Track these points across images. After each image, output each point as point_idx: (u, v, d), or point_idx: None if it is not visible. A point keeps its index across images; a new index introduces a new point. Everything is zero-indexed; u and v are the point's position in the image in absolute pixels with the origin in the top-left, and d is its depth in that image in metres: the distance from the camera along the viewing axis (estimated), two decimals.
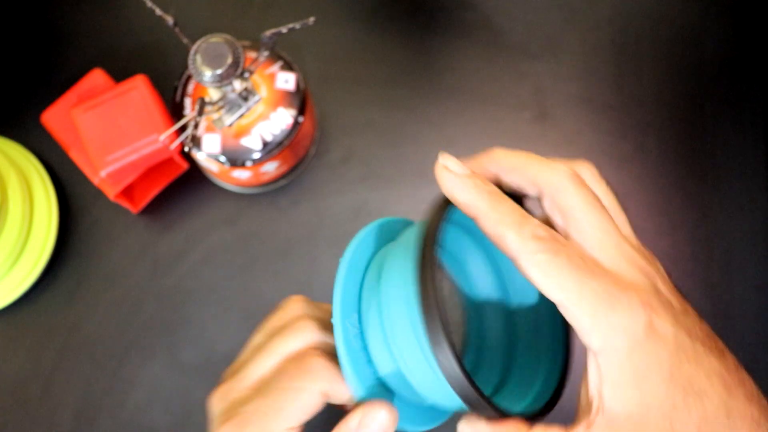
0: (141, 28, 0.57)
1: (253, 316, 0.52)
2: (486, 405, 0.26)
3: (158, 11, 0.42)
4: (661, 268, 0.28)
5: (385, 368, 0.30)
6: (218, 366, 0.51)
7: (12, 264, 0.50)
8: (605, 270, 0.26)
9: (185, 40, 0.43)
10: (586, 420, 0.25)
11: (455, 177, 0.27)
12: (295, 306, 0.35)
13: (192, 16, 0.56)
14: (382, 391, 0.31)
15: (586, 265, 0.25)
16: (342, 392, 0.30)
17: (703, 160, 0.55)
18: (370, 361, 0.31)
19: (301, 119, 0.48)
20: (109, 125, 0.47)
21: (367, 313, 0.31)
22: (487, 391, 0.27)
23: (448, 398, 0.27)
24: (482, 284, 0.35)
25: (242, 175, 0.50)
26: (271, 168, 0.50)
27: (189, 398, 0.50)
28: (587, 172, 0.29)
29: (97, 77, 0.50)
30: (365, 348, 0.31)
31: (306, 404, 0.30)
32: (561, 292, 0.25)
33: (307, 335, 0.32)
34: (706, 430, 0.25)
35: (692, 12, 0.58)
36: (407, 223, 0.35)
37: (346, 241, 0.56)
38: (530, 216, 0.26)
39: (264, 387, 0.31)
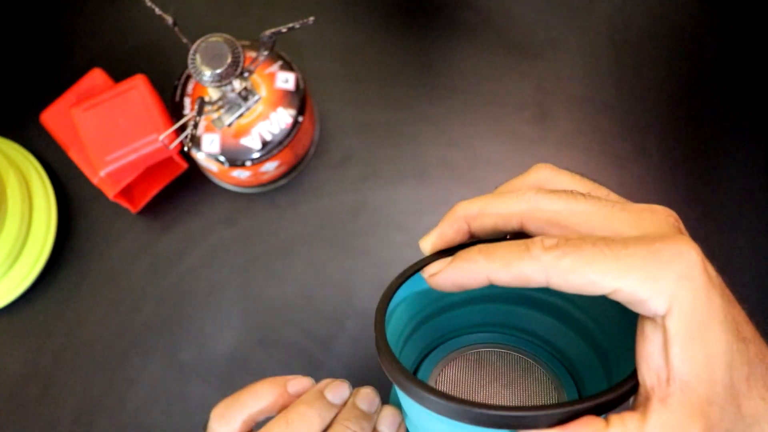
0: (140, 28, 0.57)
1: (252, 316, 0.52)
2: (530, 414, 0.23)
3: (158, 11, 0.42)
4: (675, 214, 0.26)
5: None
6: (217, 366, 0.52)
7: (11, 264, 0.50)
8: (632, 236, 0.24)
9: (185, 40, 0.43)
10: (657, 396, 0.23)
11: (445, 273, 0.26)
12: None
13: (191, 15, 0.56)
14: None
15: (613, 241, 0.23)
16: None
17: (703, 160, 0.55)
18: None
19: (300, 119, 0.48)
20: (109, 125, 0.47)
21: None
22: None
23: None
24: (547, 329, 0.34)
25: (242, 174, 0.50)
26: (270, 168, 0.50)
27: (188, 398, 0.50)
28: (545, 172, 0.28)
29: (96, 77, 0.50)
30: None
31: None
32: (606, 279, 0.23)
33: None
34: (751, 379, 0.24)
35: (692, 12, 0.58)
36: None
37: (346, 241, 0.56)
38: (530, 238, 0.25)
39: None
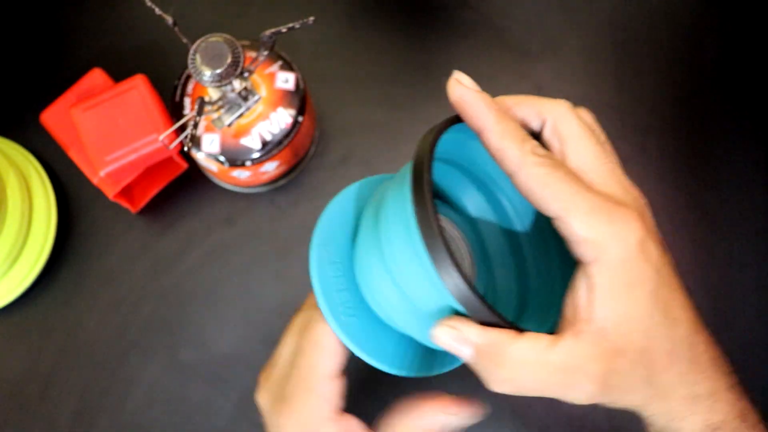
0: (140, 28, 0.57)
1: (252, 316, 0.52)
2: (484, 308, 0.26)
3: (158, 11, 0.42)
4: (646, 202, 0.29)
5: (379, 298, 0.30)
6: (218, 366, 0.51)
7: (11, 264, 0.50)
8: (600, 190, 0.27)
9: (185, 40, 0.43)
10: (572, 329, 0.26)
11: (466, 89, 0.28)
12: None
13: (191, 15, 0.56)
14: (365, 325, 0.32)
15: (582, 182, 0.27)
16: None
17: (703, 161, 0.55)
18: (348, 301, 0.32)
19: (300, 119, 0.48)
20: (109, 125, 0.47)
21: (361, 248, 0.31)
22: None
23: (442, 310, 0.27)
24: (485, 224, 0.35)
25: (242, 174, 0.50)
26: (270, 168, 0.50)
27: (188, 398, 0.50)
28: (586, 115, 0.30)
29: (96, 77, 0.50)
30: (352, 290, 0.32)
31: (333, 349, 0.31)
32: (558, 203, 0.26)
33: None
34: (673, 356, 0.27)
35: (692, 12, 0.58)
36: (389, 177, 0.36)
37: None
38: (531, 137, 0.28)
39: (295, 357, 0.32)
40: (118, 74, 0.50)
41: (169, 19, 0.42)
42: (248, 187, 0.53)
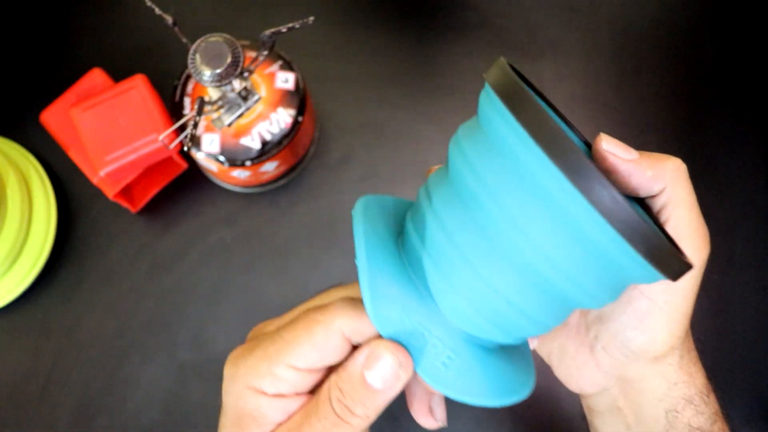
0: (140, 28, 0.57)
1: (252, 316, 0.52)
2: (656, 236, 0.22)
3: (158, 10, 0.42)
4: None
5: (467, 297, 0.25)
6: (217, 366, 0.51)
7: (11, 263, 0.50)
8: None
9: (184, 40, 0.43)
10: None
11: (621, 149, 0.30)
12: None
13: (191, 15, 0.56)
14: (414, 338, 0.27)
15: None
16: (367, 331, 0.27)
17: (703, 161, 0.55)
18: (404, 305, 0.27)
19: (300, 119, 0.48)
20: (108, 125, 0.47)
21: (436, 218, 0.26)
22: None
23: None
24: None
25: (241, 174, 0.50)
26: (270, 168, 0.50)
27: (188, 398, 0.50)
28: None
29: (96, 76, 0.50)
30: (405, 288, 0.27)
31: (321, 342, 0.27)
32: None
33: (336, 296, 0.30)
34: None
35: (692, 12, 0.58)
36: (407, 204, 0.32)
37: (346, 241, 0.55)
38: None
39: (287, 325, 0.29)
40: (118, 74, 0.50)
41: (169, 19, 0.42)
42: (248, 187, 0.53)
